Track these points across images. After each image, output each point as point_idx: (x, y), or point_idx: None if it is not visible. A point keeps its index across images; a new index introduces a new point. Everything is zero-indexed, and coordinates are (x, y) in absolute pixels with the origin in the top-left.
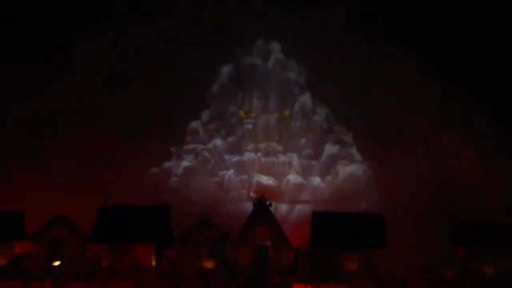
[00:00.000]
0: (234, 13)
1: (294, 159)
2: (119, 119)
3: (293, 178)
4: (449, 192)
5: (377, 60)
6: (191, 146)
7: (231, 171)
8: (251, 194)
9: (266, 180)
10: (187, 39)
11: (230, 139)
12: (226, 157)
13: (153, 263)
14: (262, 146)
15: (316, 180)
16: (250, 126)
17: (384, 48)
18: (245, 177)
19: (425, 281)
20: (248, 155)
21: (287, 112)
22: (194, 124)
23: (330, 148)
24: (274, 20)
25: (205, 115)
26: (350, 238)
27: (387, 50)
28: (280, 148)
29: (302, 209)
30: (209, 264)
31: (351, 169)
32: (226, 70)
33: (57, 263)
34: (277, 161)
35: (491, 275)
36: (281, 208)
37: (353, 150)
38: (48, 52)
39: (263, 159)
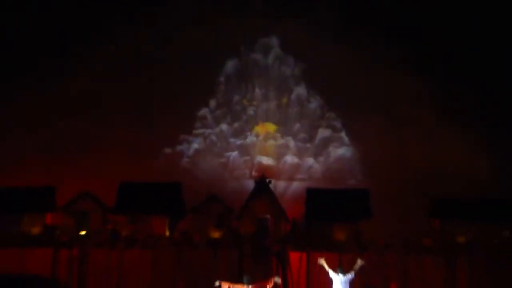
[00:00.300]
0: (234, 13)
1: (291, 142)
2: (131, 112)
3: (290, 158)
4: (428, 173)
5: (374, 58)
6: (200, 130)
7: (235, 153)
8: (253, 173)
9: (266, 160)
10: (188, 37)
11: (235, 124)
12: (231, 140)
13: (167, 233)
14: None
15: (310, 161)
16: (252, 112)
17: (380, 46)
18: (247, 158)
19: (405, 248)
20: (251, 138)
21: (285, 100)
22: (203, 112)
23: (322, 133)
24: (273, 20)
25: (212, 104)
26: (339, 212)
27: (385, 50)
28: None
29: (297, 186)
30: (216, 234)
31: (341, 151)
32: (230, 64)
33: (83, 232)
34: (275, 144)
35: (463, 244)
36: (279, 185)
37: (343, 135)
38: (48, 52)
39: (264, 142)
